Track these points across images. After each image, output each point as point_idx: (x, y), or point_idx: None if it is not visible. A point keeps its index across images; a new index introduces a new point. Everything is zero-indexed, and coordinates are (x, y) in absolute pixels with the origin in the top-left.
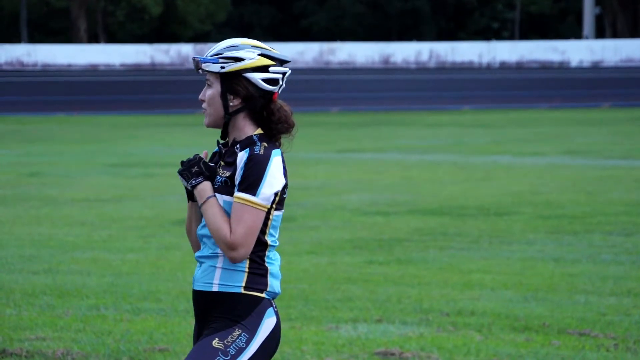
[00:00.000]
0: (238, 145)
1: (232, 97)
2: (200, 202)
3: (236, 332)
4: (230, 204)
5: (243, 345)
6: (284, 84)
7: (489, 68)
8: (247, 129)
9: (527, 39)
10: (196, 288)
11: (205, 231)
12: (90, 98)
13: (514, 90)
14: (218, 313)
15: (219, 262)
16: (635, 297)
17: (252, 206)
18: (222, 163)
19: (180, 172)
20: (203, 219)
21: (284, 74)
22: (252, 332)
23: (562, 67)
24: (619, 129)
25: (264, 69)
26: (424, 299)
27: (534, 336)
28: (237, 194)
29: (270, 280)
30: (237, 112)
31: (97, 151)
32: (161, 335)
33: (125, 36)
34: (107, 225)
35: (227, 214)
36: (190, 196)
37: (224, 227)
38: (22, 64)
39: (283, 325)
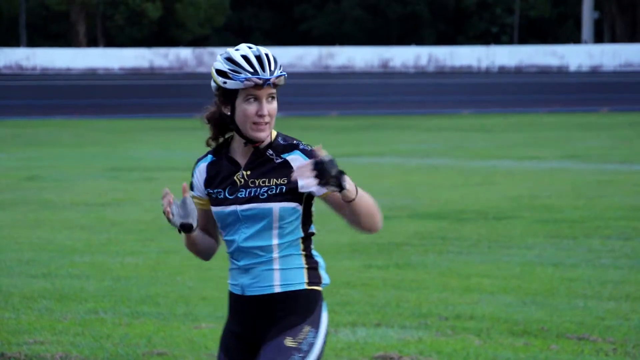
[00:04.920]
0: (270, 151)
1: None
2: (354, 195)
3: (305, 329)
4: (289, 209)
5: (313, 340)
6: None
7: (487, 72)
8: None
9: (526, 44)
10: (250, 293)
11: (251, 243)
12: (89, 102)
13: (512, 95)
14: (283, 313)
15: (276, 265)
16: (634, 301)
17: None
18: (247, 172)
19: (329, 182)
20: (238, 233)
21: None
22: (317, 326)
23: (561, 72)
24: (618, 134)
25: None
26: (423, 303)
27: (533, 340)
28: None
29: (322, 272)
30: None
31: (96, 155)
32: (160, 339)
33: (124, 40)
34: (106, 229)
35: (284, 219)
36: (185, 229)
37: (377, 209)
38: (21, 67)
39: None
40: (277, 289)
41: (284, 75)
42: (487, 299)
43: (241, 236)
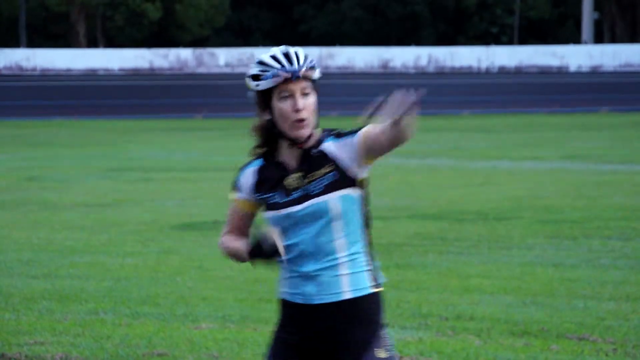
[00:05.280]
0: (314, 150)
1: None
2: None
3: (382, 333)
4: (346, 197)
5: (390, 340)
6: None
7: (487, 73)
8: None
9: (526, 44)
10: (318, 302)
11: (314, 242)
12: (89, 102)
13: (512, 95)
14: (353, 319)
15: (343, 269)
16: (633, 301)
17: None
18: (300, 173)
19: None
20: (299, 236)
21: None
22: (385, 326)
23: (561, 72)
24: (618, 134)
25: None
26: (423, 303)
27: (533, 341)
28: (364, 129)
29: (379, 273)
30: None
31: (96, 155)
32: (160, 339)
33: (124, 41)
34: (106, 230)
35: (342, 207)
36: (252, 256)
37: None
38: (21, 68)
39: None
40: (348, 295)
41: (314, 66)
42: (487, 299)
43: (303, 238)
